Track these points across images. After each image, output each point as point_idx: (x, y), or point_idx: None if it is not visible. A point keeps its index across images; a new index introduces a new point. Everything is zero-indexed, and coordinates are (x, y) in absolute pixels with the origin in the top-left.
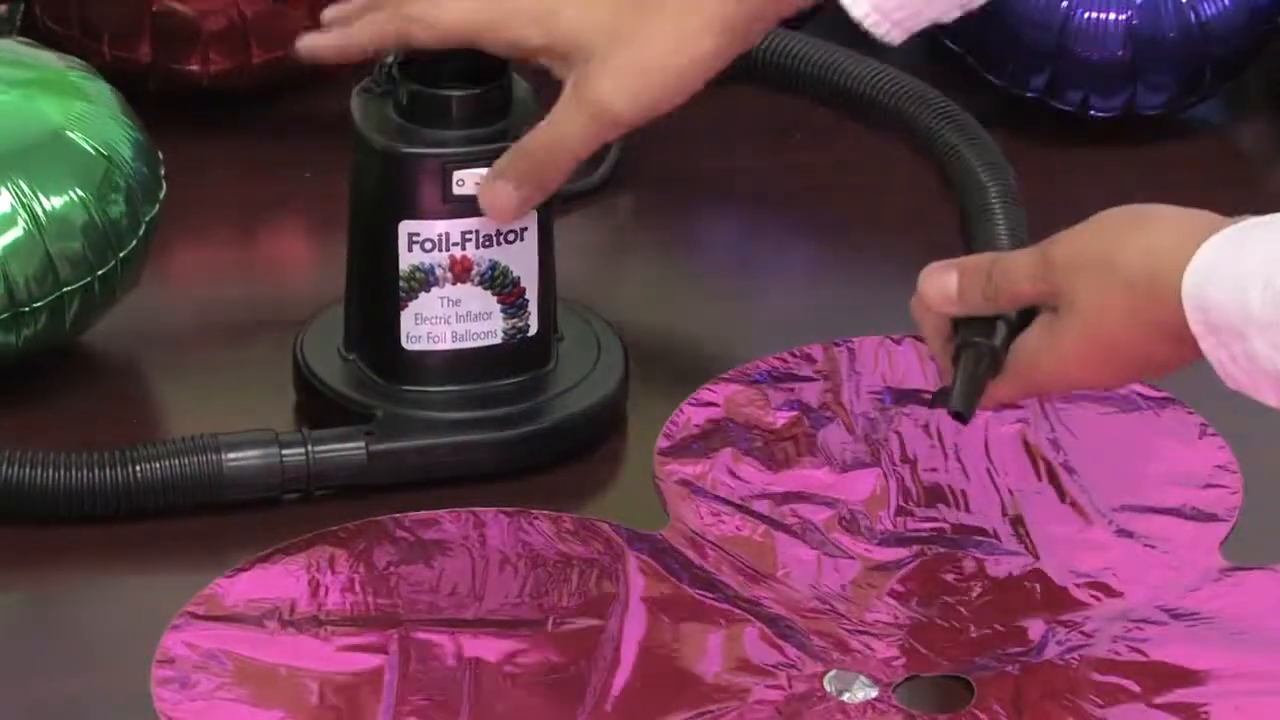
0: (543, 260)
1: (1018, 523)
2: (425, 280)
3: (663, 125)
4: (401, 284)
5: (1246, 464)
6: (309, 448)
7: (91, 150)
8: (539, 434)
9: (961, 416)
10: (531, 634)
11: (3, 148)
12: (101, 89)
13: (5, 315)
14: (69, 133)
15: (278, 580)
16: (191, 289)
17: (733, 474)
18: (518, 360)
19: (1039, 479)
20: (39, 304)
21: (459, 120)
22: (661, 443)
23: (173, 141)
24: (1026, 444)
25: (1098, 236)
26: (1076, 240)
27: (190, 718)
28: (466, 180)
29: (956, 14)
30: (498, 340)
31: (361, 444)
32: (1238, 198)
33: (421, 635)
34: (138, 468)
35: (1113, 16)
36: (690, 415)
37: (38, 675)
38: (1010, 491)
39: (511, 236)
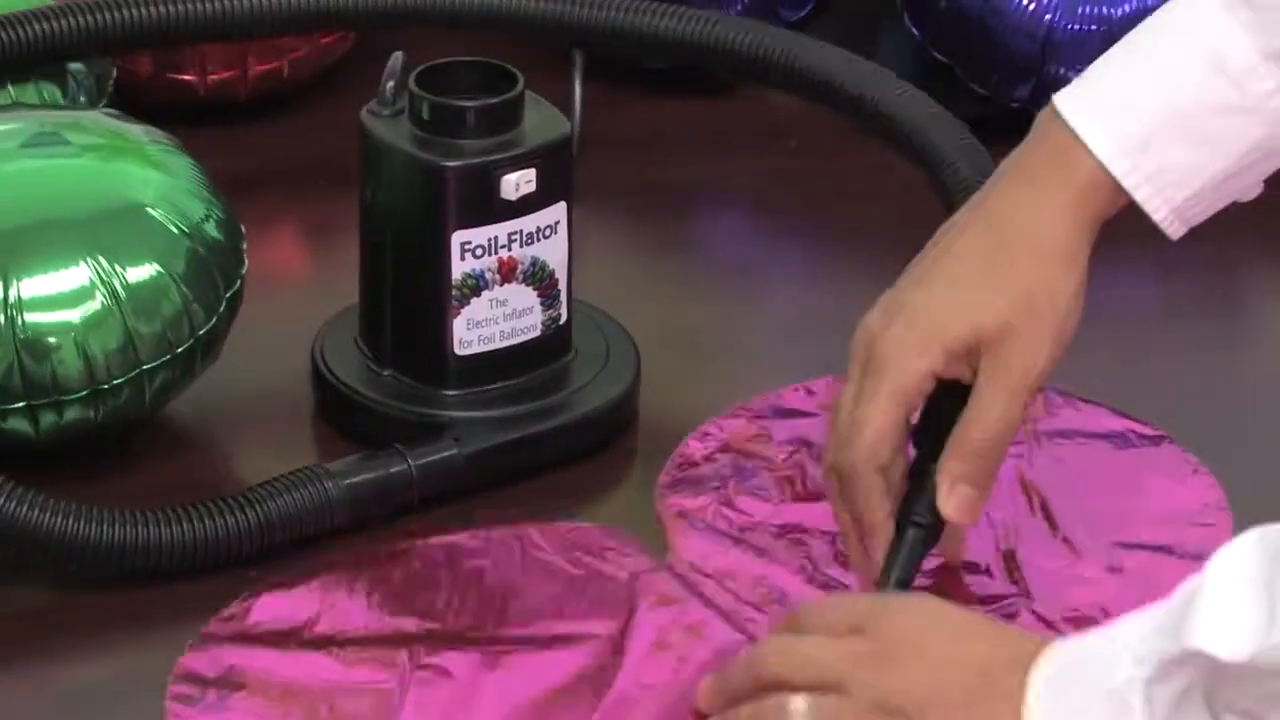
0: (570, 251)
1: (1009, 557)
2: (476, 285)
3: (661, 134)
4: (454, 292)
5: (1236, 503)
6: (410, 462)
7: (174, 228)
8: (581, 421)
9: (905, 585)
10: (545, 649)
11: (83, 216)
12: (183, 163)
13: (85, 392)
14: (150, 209)
15: (296, 602)
16: None
17: (733, 507)
18: (551, 350)
19: (1032, 513)
20: (119, 380)
21: (492, 126)
22: (663, 477)
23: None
24: (1022, 478)
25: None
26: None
27: None
28: (512, 182)
29: (1248, 195)
30: (538, 332)
31: (455, 450)
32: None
33: (432, 655)
34: (265, 507)
35: (1095, 29)
36: (694, 449)
37: None
38: (1004, 525)
39: (548, 232)
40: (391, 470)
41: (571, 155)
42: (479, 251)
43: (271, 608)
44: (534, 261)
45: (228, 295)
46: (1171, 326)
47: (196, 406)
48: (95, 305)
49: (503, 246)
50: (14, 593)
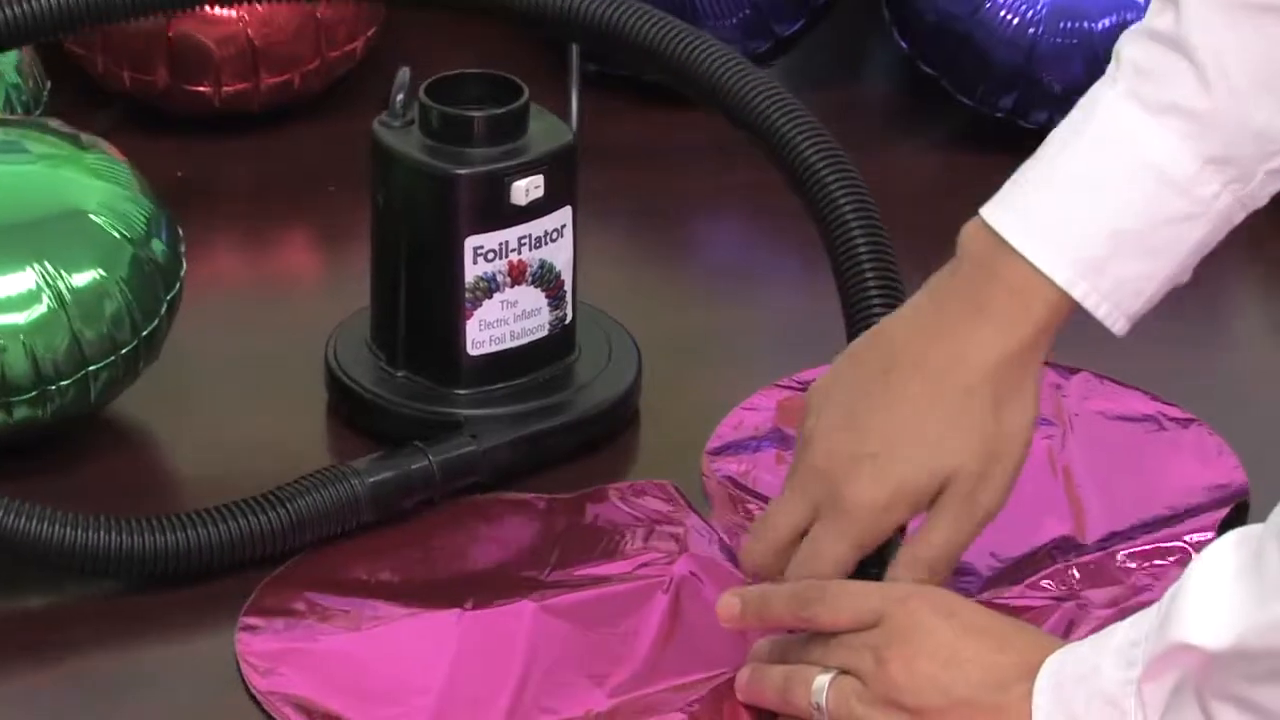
0: (574, 253)
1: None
2: (488, 288)
3: (657, 144)
4: (467, 295)
5: (1256, 479)
6: (431, 458)
7: (115, 233)
8: (586, 417)
9: None
10: (590, 590)
11: (27, 221)
12: (122, 171)
13: (33, 392)
14: (92, 215)
15: (347, 560)
16: (211, 315)
17: (774, 473)
18: (556, 348)
19: (1059, 490)
20: (65, 381)
21: (499, 135)
22: (712, 443)
23: (187, 156)
24: (1051, 458)
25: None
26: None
27: (266, 652)
28: (522, 188)
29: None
30: (545, 332)
31: (473, 446)
32: None
33: (483, 606)
34: (295, 505)
35: (1075, 43)
36: (741, 418)
37: None
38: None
39: (555, 235)
40: (413, 467)
41: (576, 162)
42: (490, 255)
43: (331, 561)
44: (542, 264)
45: (168, 298)
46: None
47: (211, 407)
48: (42, 309)
49: (513, 250)
50: (50, 588)
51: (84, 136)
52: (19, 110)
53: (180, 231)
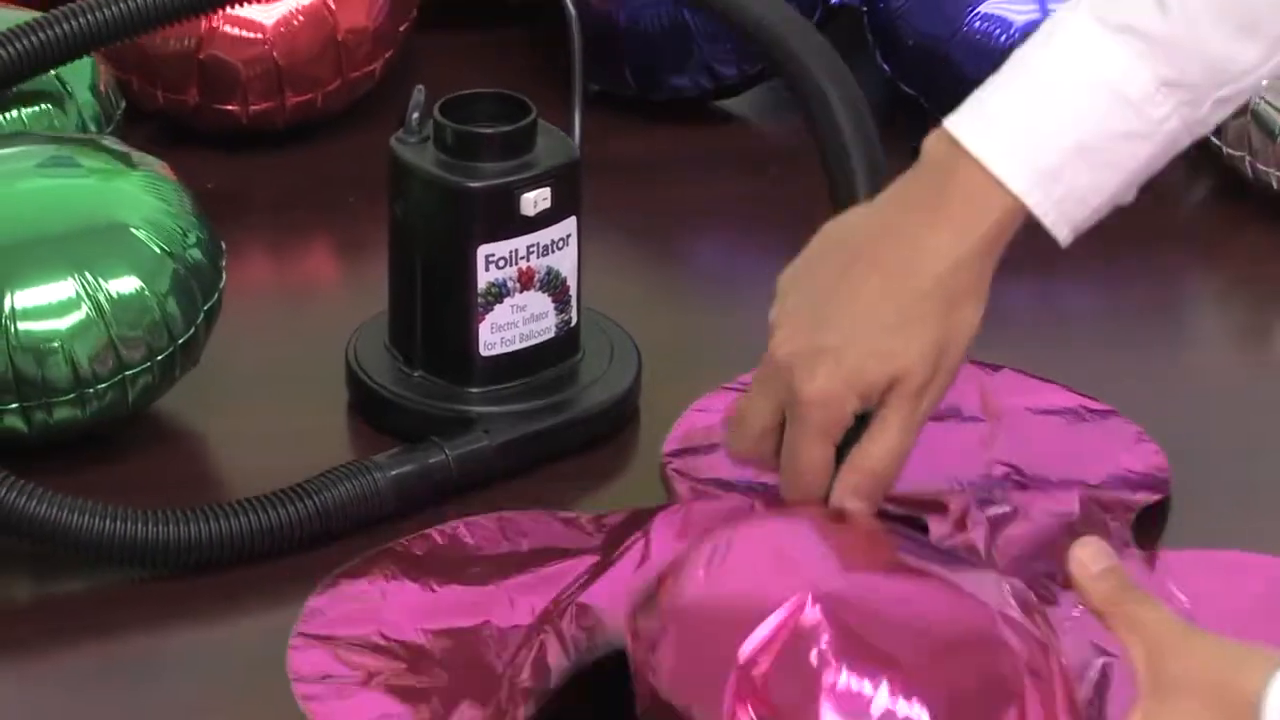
0: (579, 261)
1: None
2: (499, 293)
3: (656, 159)
4: (479, 300)
5: (1177, 465)
6: (447, 453)
7: (155, 247)
8: (590, 414)
9: None
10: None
11: (71, 232)
12: (168, 187)
13: (72, 394)
14: (134, 229)
15: (369, 586)
16: (238, 318)
17: (732, 466)
18: (562, 349)
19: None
20: (103, 384)
21: (509, 151)
22: (668, 445)
23: (216, 170)
24: (987, 451)
25: (1214, 662)
26: (1192, 660)
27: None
28: (530, 200)
29: (1127, 201)
30: (552, 334)
31: (487, 441)
32: (1151, 219)
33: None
34: (321, 498)
35: None
36: (694, 420)
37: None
38: (969, 484)
39: (561, 244)
40: (431, 460)
41: (580, 175)
42: (501, 263)
43: (343, 597)
44: (549, 271)
45: (205, 308)
46: (1120, 326)
47: (238, 405)
48: (81, 315)
49: (522, 258)
50: (86, 573)
51: (136, 155)
52: (92, 128)
53: (223, 245)
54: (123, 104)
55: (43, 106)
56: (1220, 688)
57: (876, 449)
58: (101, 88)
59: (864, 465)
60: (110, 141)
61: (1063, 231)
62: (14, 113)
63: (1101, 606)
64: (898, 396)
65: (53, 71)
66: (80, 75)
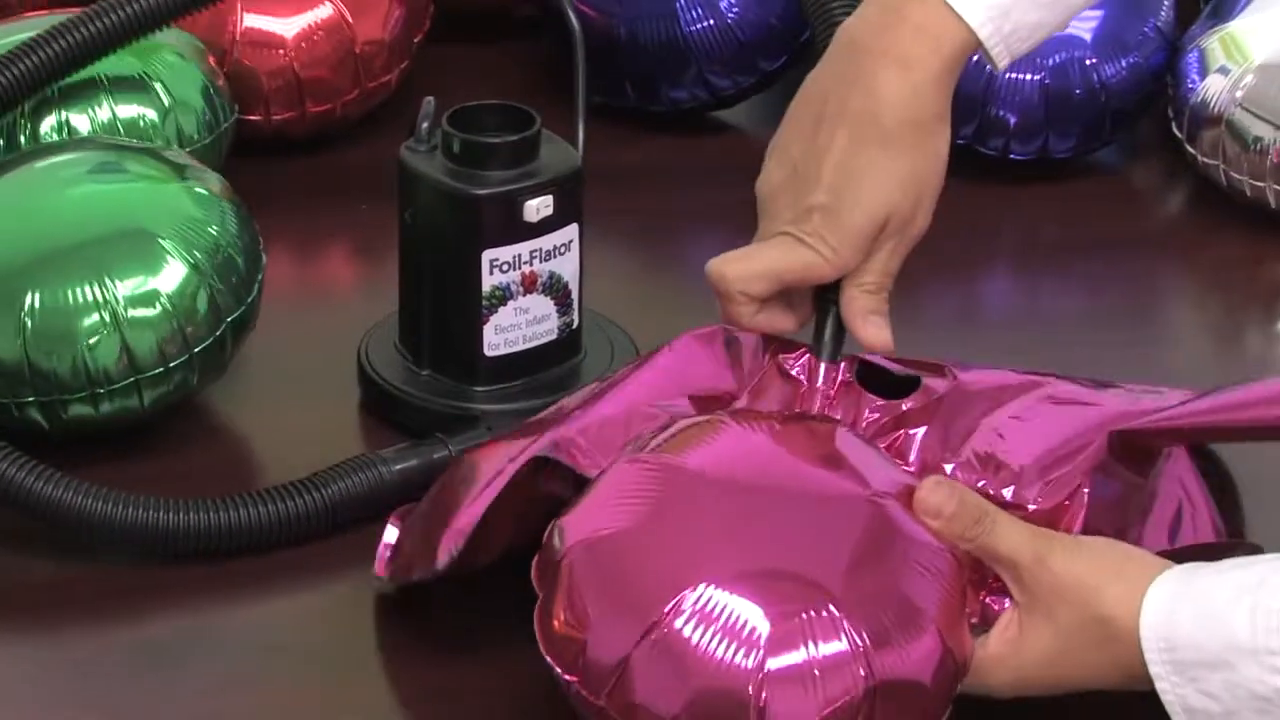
0: (580, 266)
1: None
2: (503, 296)
3: (654, 168)
4: (484, 302)
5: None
6: (451, 448)
7: (180, 259)
8: None
9: (835, 362)
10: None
11: (98, 238)
12: (211, 201)
13: (84, 393)
14: (161, 239)
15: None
16: (258, 318)
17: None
18: (565, 351)
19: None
20: (115, 386)
21: (514, 160)
22: None
23: (240, 177)
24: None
25: (1091, 567)
26: (1073, 561)
27: None
28: (534, 207)
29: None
30: (554, 336)
31: (489, 437)
32: (1131, 226)
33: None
34: (327, 490)
35: (1029, 77)
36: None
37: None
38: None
39: (563, 249)
40: (436, 455)
41: (582, 184)
42: (505, 267)
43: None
44: (551, 275)
45: (231, 320)
46: (1100, 327)
47: (254, 401)
48: (94, 319)
49: (525, 262)
50: (113, 557)
51: (191, 167)
52: (200, 134)
53: (263, 259)
54: (235, 109)
55: (142, 112)
56: (1092, 591)
57: (871, 275)
58: (211, 94)
59: (868, 281)
60: (170, 152)
61: (1004, 61)
62: (107, 115)
63: (960, 545)
64: (888, 235)
65: (158, 84)
66: (189, 81)
